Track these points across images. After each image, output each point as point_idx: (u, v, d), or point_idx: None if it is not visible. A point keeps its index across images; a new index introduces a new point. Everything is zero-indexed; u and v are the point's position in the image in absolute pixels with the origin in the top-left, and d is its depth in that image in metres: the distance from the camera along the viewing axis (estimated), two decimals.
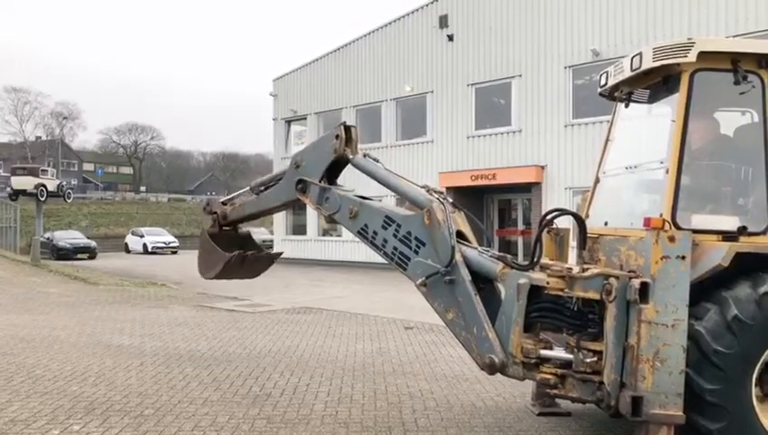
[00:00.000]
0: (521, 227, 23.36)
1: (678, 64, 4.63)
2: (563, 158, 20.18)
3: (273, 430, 5.55)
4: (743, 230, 4.53)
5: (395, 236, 5.17)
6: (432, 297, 5.01)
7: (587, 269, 4.67)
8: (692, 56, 4.53)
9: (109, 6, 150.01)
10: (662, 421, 4.21)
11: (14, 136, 72.67)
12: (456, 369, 7.90)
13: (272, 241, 30.42)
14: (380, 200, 5.83)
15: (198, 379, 7.24)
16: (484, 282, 4.98)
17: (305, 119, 29.04)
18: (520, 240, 23.11)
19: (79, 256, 33.77)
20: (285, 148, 29.55)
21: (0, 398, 6.36)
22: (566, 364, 4.64)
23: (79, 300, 14.88)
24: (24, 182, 30.39)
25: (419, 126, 24.67)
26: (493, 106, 22.93)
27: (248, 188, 6.58)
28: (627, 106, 5.66)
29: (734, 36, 15.17)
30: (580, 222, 5.12)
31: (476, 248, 5.06)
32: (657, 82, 5.06)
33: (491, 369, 4.70)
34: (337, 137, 5.53)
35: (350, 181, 5.98)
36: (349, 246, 25.08)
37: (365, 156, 5.59)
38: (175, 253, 39.85)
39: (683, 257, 4.26)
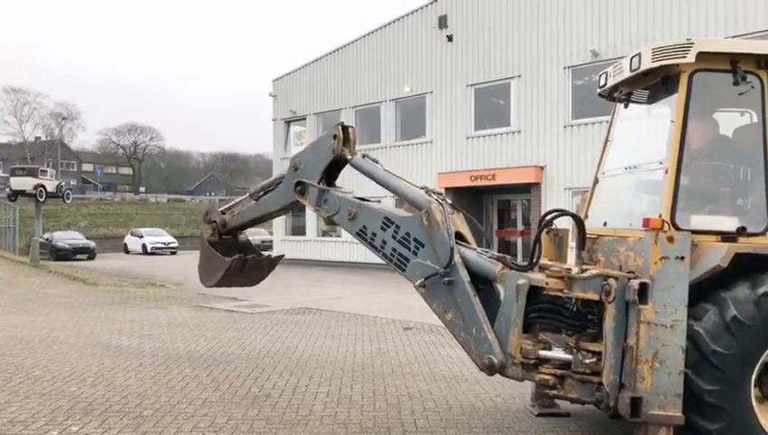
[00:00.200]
0: (520, 227, 23.35)
1: (677, 65, 4.63)
2: (563, 158, 20.18)
3: (272, 430, 5.54)
4: (742, 231, 4.53)
5: (394, 237, 5.18)
6: (431, 298, 5.01)
7: (586, 270, 4.67)
8: (691, 57, 4.53)
9: (109, 6, 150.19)
10: (661, 422, 4.22)
11: (14, 136, 72.74)
12: (456, 370, 7.90)
13: (271, 241, 30.42)
14: (379, 201, 5.83)
15: (197, 380, 7.24)
16: (482, 283, 4.98)
17: (305, 119, 29.04)
18: (519, 241, 23.10)
19: (78, 256, 33.77)
20: (285, 148, 29.55)
21: None
22: (565, 365, 4.64)
23: (78, 301, 14.87)
24: (24, 183, 30.38)
25: (419, 126, 24.67)
26: (492, 107, 22.92)
27: (247, 195, 6.60)
28: (626, 107, 5.66)
29: (732, 37, 15.18)
30: (579, 223, 5.12)
31: (475, 249, 5.06)
32: (656, 83, 5.06)
33: (490, 370, 4.70)
34: (335, 137, 5.54)
35: (350, 182, 5.98)
36: (348, 246, 25.07)
37: (364, 157, 5.60)
38: (174, 253, 39.84)
39: (682, 258, 4.26)
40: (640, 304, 4.25)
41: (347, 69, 27.09)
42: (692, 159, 4.83)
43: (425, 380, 7.41)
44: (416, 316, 11.45)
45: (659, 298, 4.24)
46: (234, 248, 6.55)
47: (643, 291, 4.25)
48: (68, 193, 34.65)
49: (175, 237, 43.94)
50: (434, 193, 5.24)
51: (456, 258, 4.83)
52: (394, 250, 5.18)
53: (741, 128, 5.13)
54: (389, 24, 25.62)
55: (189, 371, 7.66)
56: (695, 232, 4.43)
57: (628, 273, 4.54)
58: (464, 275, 4.82)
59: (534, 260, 4.77)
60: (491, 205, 24.30)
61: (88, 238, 38.28)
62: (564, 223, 5.66)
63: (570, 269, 4.72)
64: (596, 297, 4.49)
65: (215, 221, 6.55)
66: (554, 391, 4.76)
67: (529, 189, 21.15)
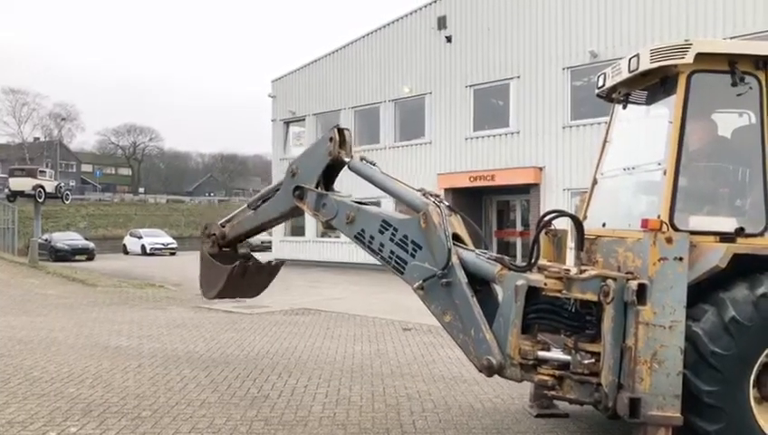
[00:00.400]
0: (519, 228, 23.36)
1: (676, 66, 4.64)
2: (561, 159, 20.18)
3: (271, 431, 5.54)
4: (740, 231, 4.53)
5: (391, 240, 5.18)
6: (429, 300, 5.01)
7: (584, 271, 4.67)
8: (689, 58, 4.53)
9: (108, 6, 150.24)
10: (660, 423, 4.22)
11: (13, 137, 72.74)
12: (455, 370, 7.90)
13: (270, 242, 30.41)
14: (379, 203, 5.84)
15: (196, 380, 7.23)
16: (480, 284, 4.98)
17: (304, 120, 29.03)
18: (518, 241, 23.12)
19: (77, 257, 33.77)
20: (284, 149, 29.55)
21: None
22: (564, 366, 4.64)
23: (77, 301, 14.85)
24: (23, 183, 30.39)
25: (418, 127, 24.68)
26: (491, 107, 22.93)
27: (246, 205, 6.62)
28: (624, 107, 5.66)
29: (731, 38, 15.21)
30: (578, 223, 5.12)
31: (473, 251, 5.06)
32: (654, 84, 5.06)
33: (489, 370, 4.69)
34: (331, 140, 5.55)
35: (347, 184, 5.98)
36: (347, 247, 25.03)
37: (362, 159, 5.60)
38: (173, 254, 39.82)
39: (680, 259, 4.27)
40: (639, 304, 4.25)
41: (346, 70, 27.09)
42: (690, 159, 4.83)
43: (424, 381, 7.41)
44: (415, 317, 11.45)
45: (658, 299, 4.24)
46: (234, 260, 6.56)
47: (642, 292, 4.25)
48: (67, 194, 34.66)
49: (174, 238, 43.97)
50: (431, 195, 5.24)
51: (454, 260, 4.83)
52: (392, 253, 5.18)
53: (739, 129, 5.13)
54: (389, 24, 25.63)
55: (188, 371, 7.66)
56: (693, 233, 4.43)
57: (627, 274, 4.54)
58: (461, 277, 4.82)
59: (533, 261, 4.77)
60: (490, 206, 24.31)
61: (87, 239, 38.28)
62: (563, 224, 5.67)
63: (568, 270, 4.72)
64: (594, 298, 4.48)
65: (214, 234, 6.59)
66: (553, 392, 4.76)
67: (528, 190, 21.17)
